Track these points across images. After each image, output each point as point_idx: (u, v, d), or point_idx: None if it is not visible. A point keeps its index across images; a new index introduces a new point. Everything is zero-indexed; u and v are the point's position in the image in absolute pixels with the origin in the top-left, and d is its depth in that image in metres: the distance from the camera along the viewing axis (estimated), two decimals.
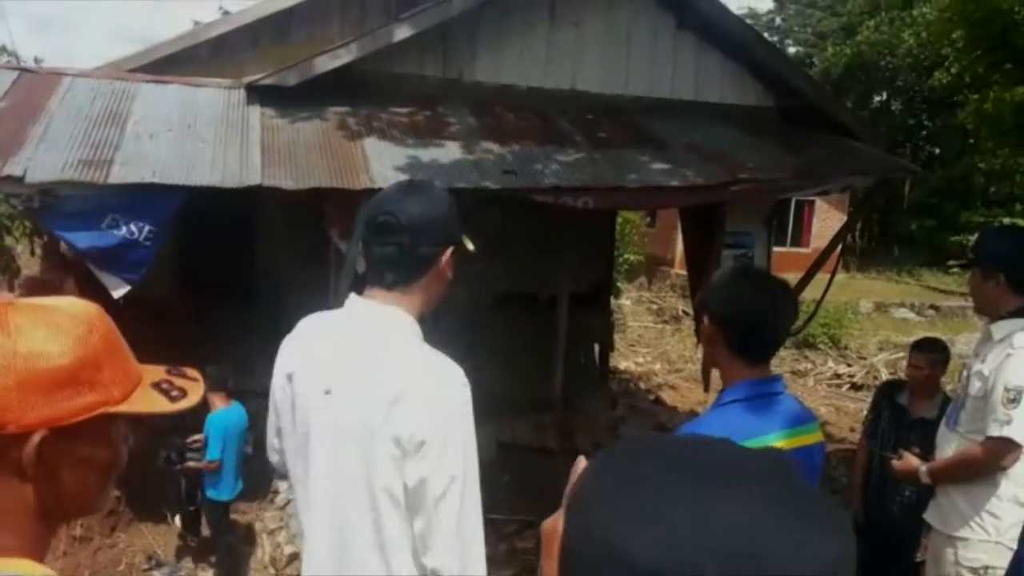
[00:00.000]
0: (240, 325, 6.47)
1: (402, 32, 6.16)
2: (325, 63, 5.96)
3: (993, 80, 7.02)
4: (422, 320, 1.74)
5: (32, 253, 9.32)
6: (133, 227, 4.67)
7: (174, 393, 0.97)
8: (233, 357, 6.50)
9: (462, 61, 6.62)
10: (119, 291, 4.69)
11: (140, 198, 4.71)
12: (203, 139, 5.35)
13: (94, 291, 4.76)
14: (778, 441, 1.88)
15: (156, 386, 0.96)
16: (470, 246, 1.80)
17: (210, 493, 5.11)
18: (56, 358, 0.86)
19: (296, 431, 1.74)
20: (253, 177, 4.91)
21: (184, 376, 1.01)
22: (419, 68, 6.53)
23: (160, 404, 0.95)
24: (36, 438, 0.85)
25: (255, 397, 6.78)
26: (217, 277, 6.57)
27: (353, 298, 1.75)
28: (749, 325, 1.92)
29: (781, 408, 1.94)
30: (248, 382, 6.71)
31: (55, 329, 0.88)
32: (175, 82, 6.30)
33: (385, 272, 1.71)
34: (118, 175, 4.69)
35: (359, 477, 1.61)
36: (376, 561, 1.62)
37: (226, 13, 9.64)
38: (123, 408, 0.92)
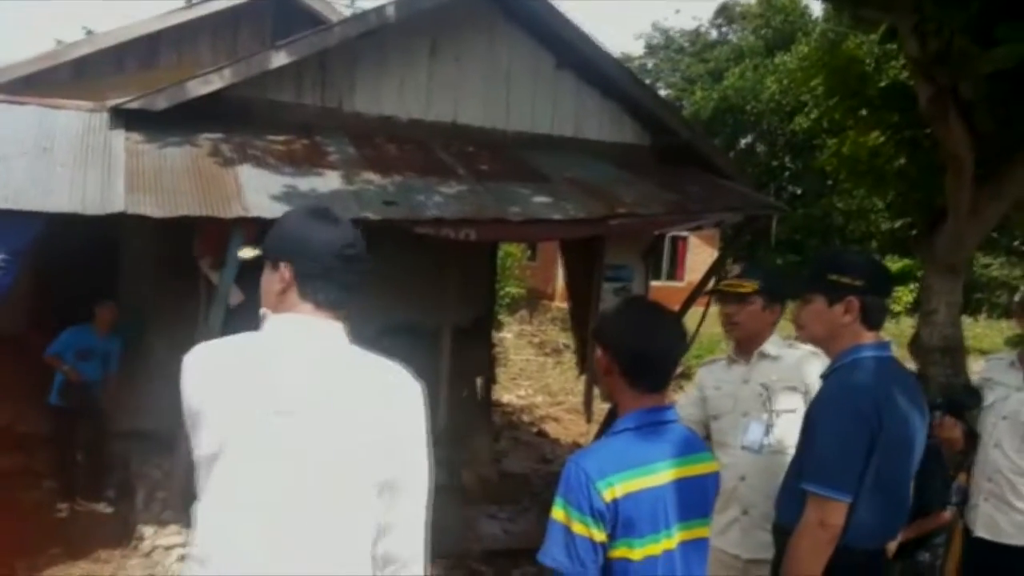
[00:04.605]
0: None
1: (279, 59, 6.02)
2: (197, 87, 5.73)
3: (849, 125, 7.49)
4: None
5: None
6: None
7: None
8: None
9: (341, 90, 6.52)
10: None
11: None
12: (61, 163, 5.03)
13: None
14: (666, 469, 1.88)
15: None
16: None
17: None
18: None
19: (225, 450, 1.64)
20: (116, 204, 4.64)
21: None
22: (297, 96, 6.39)
23: None
24: None
25: (124, 438, 6.43)
26: (77, 310, 6.14)
27: (295, 319, 1.74)
28: (644, 355, 1.95)
29: (671, 436, 1.95)
30: (116, 422, 6.33)
31: None
32: (31, 103, 5.91)
33: (343, 298, 1.77)
34: None
35: (341, 485, 1.64)
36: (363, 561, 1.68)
37: (90, 33, 9.19)
38: None
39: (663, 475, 1.88)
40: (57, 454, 6.24)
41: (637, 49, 34.84)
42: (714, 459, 2.06)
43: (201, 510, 1.67)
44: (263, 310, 1.81)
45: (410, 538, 1.73)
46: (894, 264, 21.86)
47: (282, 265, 1.75)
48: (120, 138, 5.55)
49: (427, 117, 6.77)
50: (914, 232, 7.04)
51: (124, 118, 5.74)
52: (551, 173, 6.49)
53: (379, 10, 6.31)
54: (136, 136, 5.60)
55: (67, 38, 9.23)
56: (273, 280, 1.77)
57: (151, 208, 4.64)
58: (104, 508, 6.18)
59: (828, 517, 2.18)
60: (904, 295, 20.54)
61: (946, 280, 5.31)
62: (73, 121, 5.69)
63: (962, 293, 5.51)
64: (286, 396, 1.64)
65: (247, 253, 1.93)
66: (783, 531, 2.35)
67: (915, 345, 5.48)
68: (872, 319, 2.35)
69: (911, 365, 5.01)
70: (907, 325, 15.44)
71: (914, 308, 13.28)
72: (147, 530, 5.61)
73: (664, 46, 34.77)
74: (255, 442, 1.62)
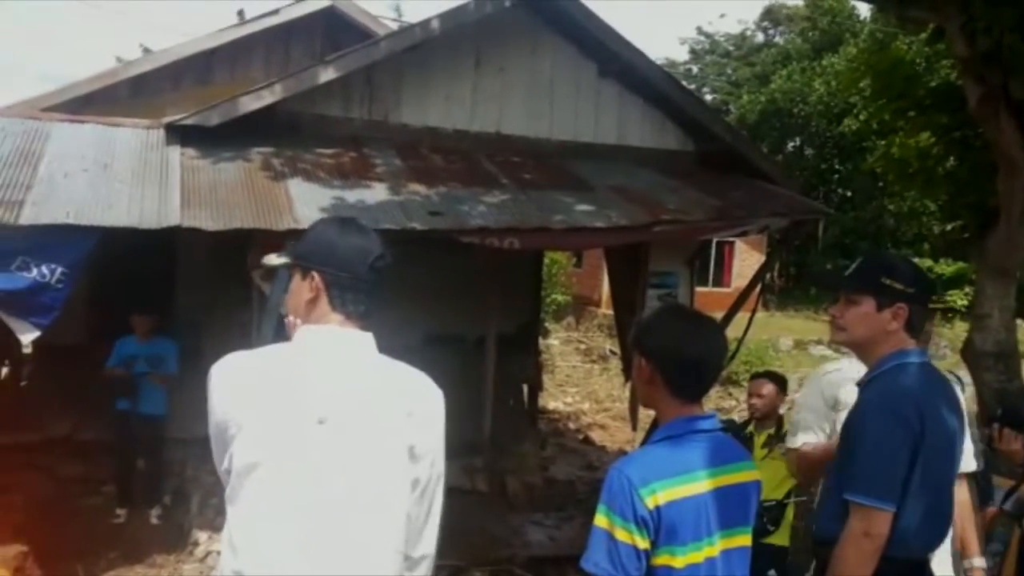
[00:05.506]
0: None
1: (327, 74, 6.16)
2: (249, 103, 5.90)
3: (898, 127, 7.39)
4: None
5: None
6: (44, 269, 4.48)
7: None
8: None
9: (388, 103, 6.64)
10: (28, 336, 4.50)
11: (52, 239, 4.53)
12: (120, 179, 5.21)
13: (2, 336, 4.56)
14: (708, 477, 1.89)
15: None
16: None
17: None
18: None
19: (266, 459, 1.65)
20: (172, 218, 4.79)
21: None
22: (345, 110, 6.52)
23: None
24: None
25: (179, 444, 6.60)
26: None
27: (328, 330, 1.77)
28: (687, 364, 1.94)
29: (712, 445, 1.95)
30: (170, 428, 6.51)
31: None
32: (91, 121, 6.14)
33: (371, 309, 1.81)
34: (29, 216, 4.52)
35: (374, 490, 1.68)
36: (395, 562, 1.74)
37: (147, 51, 9.48)
38: None
39: (705, 483, 1.88)
40: (117, 461, 6.42)
41: (682, 55, 34.62)
42: (756, 468, 2.05)
43: (238, 520, 1.66)
44: (291, 317, 1.84)
45: (426, 536, 1.81)
46: (948, 268, 21.35)
47: (313, 274, 1.78)
48: (176, 153, 5.73)
49: (472, 128, 6.85)
50: (966, 235, 6.90)
51: (180, 134, 5.93)
52: (594, 181, 6.52)
53: (424, 24, 6.42)
54: (191, 151, 5.78)
55: (126, 55, 9.48)
56: (303, 288, 1.80)
57: (206, 221, 4.79)
58: (160, 513, 6.35)
59: (873, 527, 2.14)
60: (958, 299, 20.04)
61: (999, 284, 5.21)
62: (131, 138, 5.90)
63: (1016, 297, 5.40)
64: (326, 406, 1.67)
65: (274, 260, 1.96)
66: (823, 543, 2.31)
67: (968, 351, 5.38)
68: (916, 327, 2.32)
69: (963, 371, 4.93)
70: (961, 329, 15.06)
71: (968, 312, 12.96)
72: (201, 535, 5.75)
73: (709, 51, 34.53)
74: (298, 451, 1.64)
